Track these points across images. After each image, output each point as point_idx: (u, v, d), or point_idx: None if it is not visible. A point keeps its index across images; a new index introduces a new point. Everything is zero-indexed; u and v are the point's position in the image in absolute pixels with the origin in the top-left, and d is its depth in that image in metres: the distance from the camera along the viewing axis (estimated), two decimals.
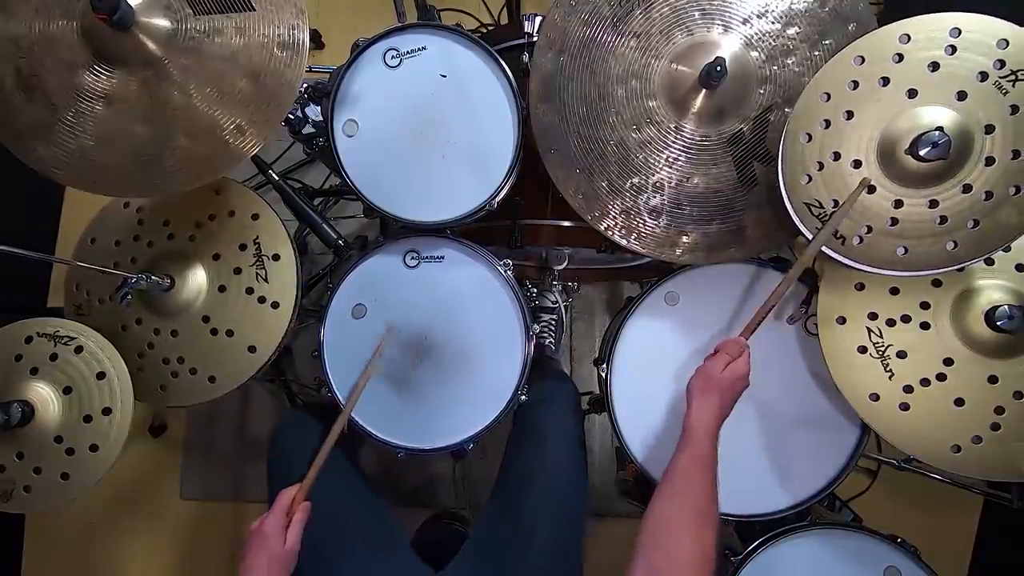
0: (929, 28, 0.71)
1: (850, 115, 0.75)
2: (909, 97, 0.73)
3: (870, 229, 0.75)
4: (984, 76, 0.70)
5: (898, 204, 0.74)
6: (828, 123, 0.75)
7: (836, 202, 0.76)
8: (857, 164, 0.75)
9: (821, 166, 0.76)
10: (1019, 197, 0.70)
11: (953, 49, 0.71)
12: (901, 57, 0.72)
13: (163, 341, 0.97)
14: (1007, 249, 0.79)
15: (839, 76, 0.75)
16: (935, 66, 0.71)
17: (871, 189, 0.75)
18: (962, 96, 0.71)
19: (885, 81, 0.73)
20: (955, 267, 0.75)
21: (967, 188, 0.72)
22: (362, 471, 1.04)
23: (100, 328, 0.91)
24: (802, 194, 0.77)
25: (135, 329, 0.98)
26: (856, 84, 0.74)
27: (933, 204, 0.73)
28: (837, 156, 0.76)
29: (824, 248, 0.76)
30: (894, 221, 0.75)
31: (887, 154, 0.74)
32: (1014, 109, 0.70)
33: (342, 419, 0.87)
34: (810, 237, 0.77)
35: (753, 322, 0.80)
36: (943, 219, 0.73)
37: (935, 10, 0.71)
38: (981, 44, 0.70)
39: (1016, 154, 0.70)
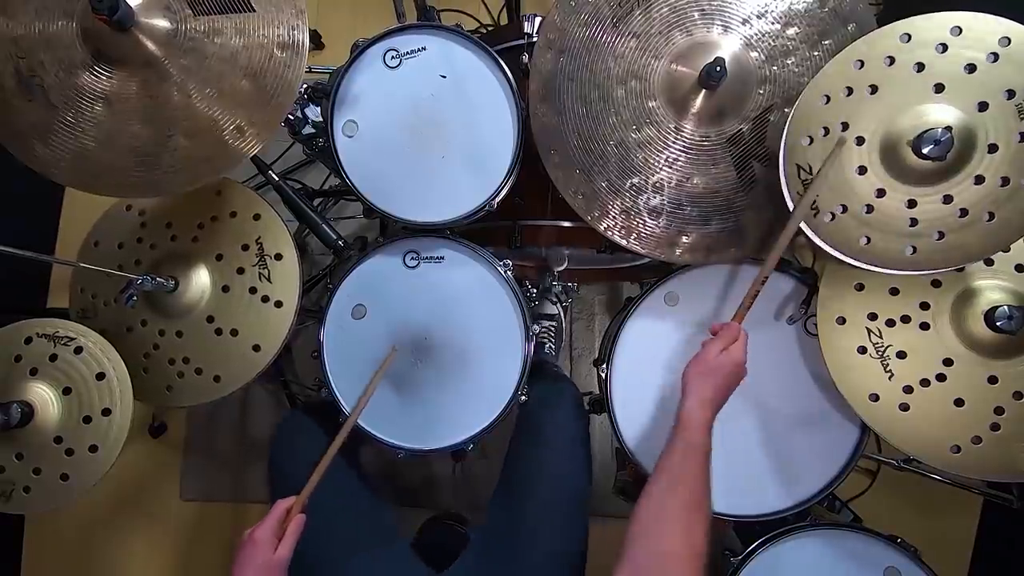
0: (983, 29, 0.69)
1: (874, 89, 0.73)
2: (936, 92, 0.71)
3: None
4: (1011, 95, 0.68)
5: (881, 193, 0.73)
6: (850, 90, 0.74)
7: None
8: (860, 140, 0.74)
9: (826, 131, 0.75)
10: (991, 223, 0.70)
11: (995, 57, 0.68)
12: (945, 48, 0.70)
13: (168, 342, 0.97)
14: (1007, 249, 0.80)
15: (880, 50, 0.72)
16: (971, 68, 0.69)
17: (861, 170, 0.74)
18: (983, 107, 0.69)
19: (920, 67, 0.71)
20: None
21: (948, 199, 0.71)
22: (362, 471, 1.04)
23: (106, 330, 0.91)
24: (800, 155, 0.76)
25: (140, 330, 0.98)
26: (893, 60, 0.72)
27: (912, 204, 0.72)
28: (845, 126, 0.74)
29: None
30: (870, 208, 0.74)
31: (889, 148, 0.73)
32: (1023, 137, 0.68)
33: (344, 432, 0.86)
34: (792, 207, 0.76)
35: (743, 306, 0.80)
36: (914, 221, 0.73)
37: (934, 10, 0.70)
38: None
39: (1005, 181, 0.69)
